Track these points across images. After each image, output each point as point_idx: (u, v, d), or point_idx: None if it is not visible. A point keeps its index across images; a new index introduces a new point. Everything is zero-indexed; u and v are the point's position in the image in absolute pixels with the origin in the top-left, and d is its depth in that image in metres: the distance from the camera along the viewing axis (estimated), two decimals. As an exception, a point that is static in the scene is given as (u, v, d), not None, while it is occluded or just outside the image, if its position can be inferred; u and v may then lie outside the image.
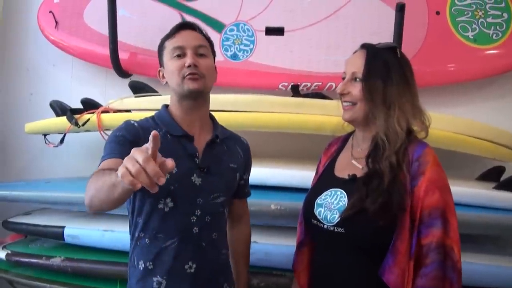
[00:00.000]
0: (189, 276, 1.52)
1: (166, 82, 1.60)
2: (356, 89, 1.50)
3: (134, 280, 1.55)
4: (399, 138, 1.44)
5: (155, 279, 1.51)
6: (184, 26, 1.60)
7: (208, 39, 1.63)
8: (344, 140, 1.70)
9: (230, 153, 1.66)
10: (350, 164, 1.57)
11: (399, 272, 1.36)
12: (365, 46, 1.56)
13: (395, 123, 1.45)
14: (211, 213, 1.57)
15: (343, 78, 1.56)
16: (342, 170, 1.58)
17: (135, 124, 1.53)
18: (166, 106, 1.64)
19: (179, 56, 1.54)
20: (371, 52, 1.52)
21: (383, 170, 1.42)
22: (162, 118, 1.58)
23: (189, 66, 1.50)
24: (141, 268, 1.53)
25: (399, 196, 1.38)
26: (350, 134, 1.69)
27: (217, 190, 1.58)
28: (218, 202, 1.59)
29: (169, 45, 1.57)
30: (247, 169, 1.77)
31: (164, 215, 1.51)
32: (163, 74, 1.62)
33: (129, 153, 1.38)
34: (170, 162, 1.03)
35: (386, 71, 1.48)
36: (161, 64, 1.63)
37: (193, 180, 1.53)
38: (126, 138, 1.47)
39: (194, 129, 1.58)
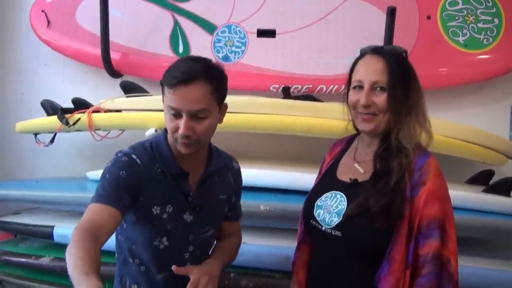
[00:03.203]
0: None
1: None
2: (380, 99, 1.42)
3: None
4: (415, 144, 1.43)
5: None
6: (185, 81, 1.36)
7: (216, 86, 1.42)
8: (348, 142, 1.67)
9: (221, 183, 1.63)
10: (353, 167, 1.55)
11: (394, 281, 1.35)
12: (379, 52, 1.48)
13: (412, 129, 1.43)
14: (201, 247, 1.58)
15: (356, 87, 1.48)
16: (344, 173, 1.56)
17: (139, 162, 1.45)
18: (166, 131, 1.51)
19: (174, 115, 1.40)
20: (391, 59, 1.45)
21: (395, 168, 1.39)
22: (160, 151, 1.50)
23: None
24: None
25: (401, 200, 1.37)
26: (354, 136, 1.66)
27: (207, 224, 1.58)
28: (208, 235, 1.60)
29: (167, 97, 1.40)
30: (237, 194, 1.73)
31: (159, 252, 1.51)
32: None
33: (125, 199, 1.38)
34: None
35: (407, 79, 1.45)
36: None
37: (185, 218, 1.52)
38: (129, 182, 1.40)
39: (190, 163, 1.52)
